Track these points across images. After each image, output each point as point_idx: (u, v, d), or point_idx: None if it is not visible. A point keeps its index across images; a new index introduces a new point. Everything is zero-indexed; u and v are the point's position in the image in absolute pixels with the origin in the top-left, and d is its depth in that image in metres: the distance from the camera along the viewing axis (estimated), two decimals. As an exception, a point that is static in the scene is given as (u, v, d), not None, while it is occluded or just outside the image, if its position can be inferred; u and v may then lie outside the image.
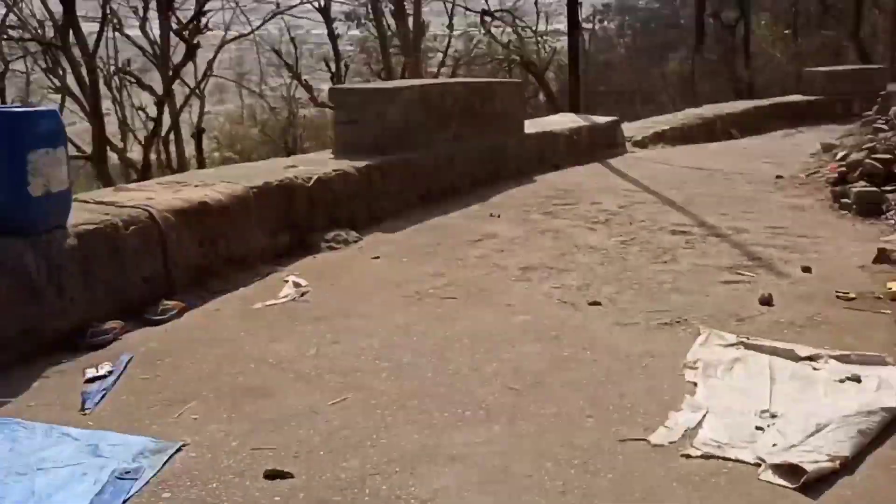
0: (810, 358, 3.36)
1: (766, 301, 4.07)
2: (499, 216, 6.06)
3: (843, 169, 6.72)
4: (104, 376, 3.33)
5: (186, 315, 4.06)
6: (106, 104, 16.28)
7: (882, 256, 4.68)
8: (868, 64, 19.08)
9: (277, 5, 18.13)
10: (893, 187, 6.26)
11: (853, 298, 4.11)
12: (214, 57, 16.76)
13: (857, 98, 14.42)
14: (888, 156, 6.65)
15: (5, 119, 3.64)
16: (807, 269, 4.61)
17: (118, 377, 3.33)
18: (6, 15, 15.92)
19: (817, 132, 11.76)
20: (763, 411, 2.94)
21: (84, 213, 3.99)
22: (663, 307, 4.08)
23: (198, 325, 3.95)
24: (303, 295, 4.36)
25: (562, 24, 19.81)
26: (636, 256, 5.01)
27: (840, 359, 3.34)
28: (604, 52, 29.80)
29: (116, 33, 16.14)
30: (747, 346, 3.50)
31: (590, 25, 27.35)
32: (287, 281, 4.55)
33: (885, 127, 8.39)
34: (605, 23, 30.64)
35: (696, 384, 3.18)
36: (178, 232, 4.28)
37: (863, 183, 6.35)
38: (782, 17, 25.76)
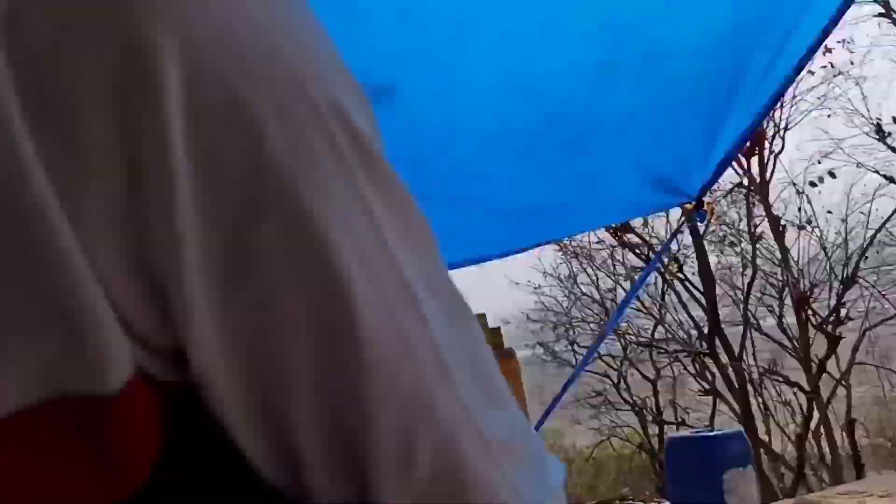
0: None
1: None
2: None
3: None
4: None
5: None
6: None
7: None
8: None
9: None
10: None
11: None
12: (857, 345, 16.07)
13: None
14: None
15: (704, 443, 4.03)
16: None
17: None
18: (654, 328, 17.83)
19: None
20: None
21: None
22: None
23: None
24: None
25: None
26: None
27: None
28: None
29: (754, 331, 16.74)
30: None
31: None
32: None
33: None
34: None
35: None
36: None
37: None
38: None
